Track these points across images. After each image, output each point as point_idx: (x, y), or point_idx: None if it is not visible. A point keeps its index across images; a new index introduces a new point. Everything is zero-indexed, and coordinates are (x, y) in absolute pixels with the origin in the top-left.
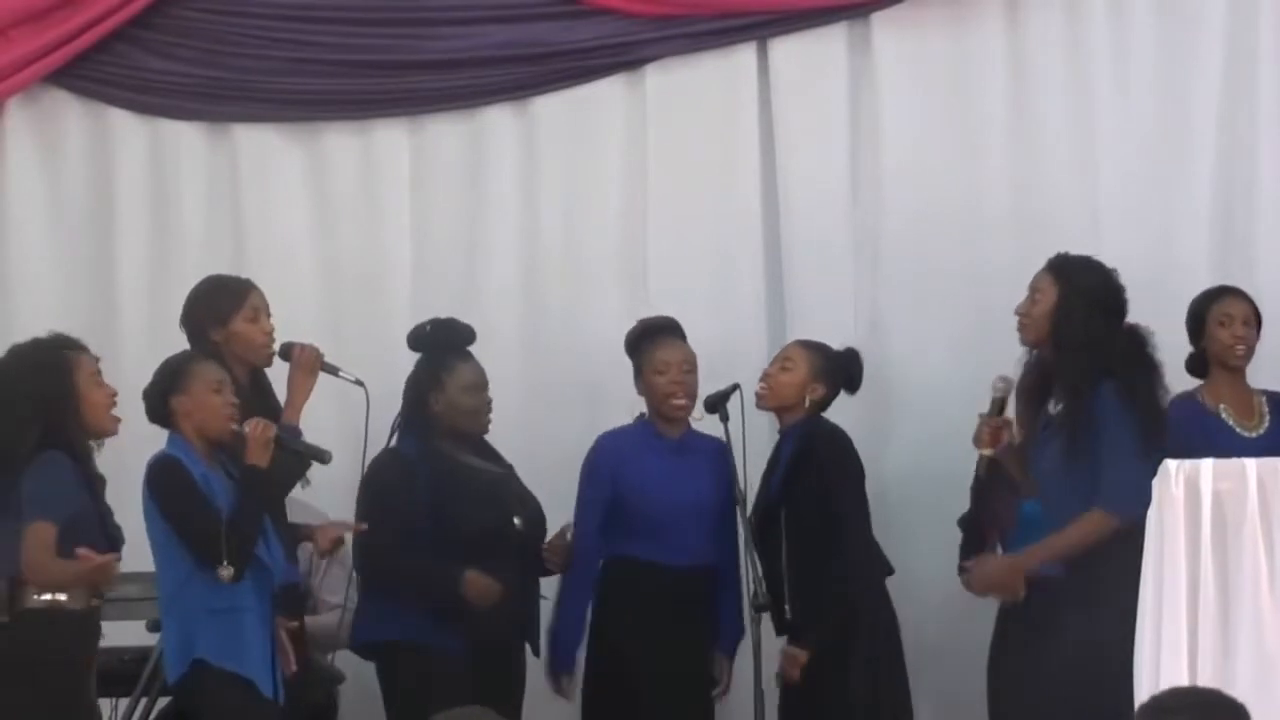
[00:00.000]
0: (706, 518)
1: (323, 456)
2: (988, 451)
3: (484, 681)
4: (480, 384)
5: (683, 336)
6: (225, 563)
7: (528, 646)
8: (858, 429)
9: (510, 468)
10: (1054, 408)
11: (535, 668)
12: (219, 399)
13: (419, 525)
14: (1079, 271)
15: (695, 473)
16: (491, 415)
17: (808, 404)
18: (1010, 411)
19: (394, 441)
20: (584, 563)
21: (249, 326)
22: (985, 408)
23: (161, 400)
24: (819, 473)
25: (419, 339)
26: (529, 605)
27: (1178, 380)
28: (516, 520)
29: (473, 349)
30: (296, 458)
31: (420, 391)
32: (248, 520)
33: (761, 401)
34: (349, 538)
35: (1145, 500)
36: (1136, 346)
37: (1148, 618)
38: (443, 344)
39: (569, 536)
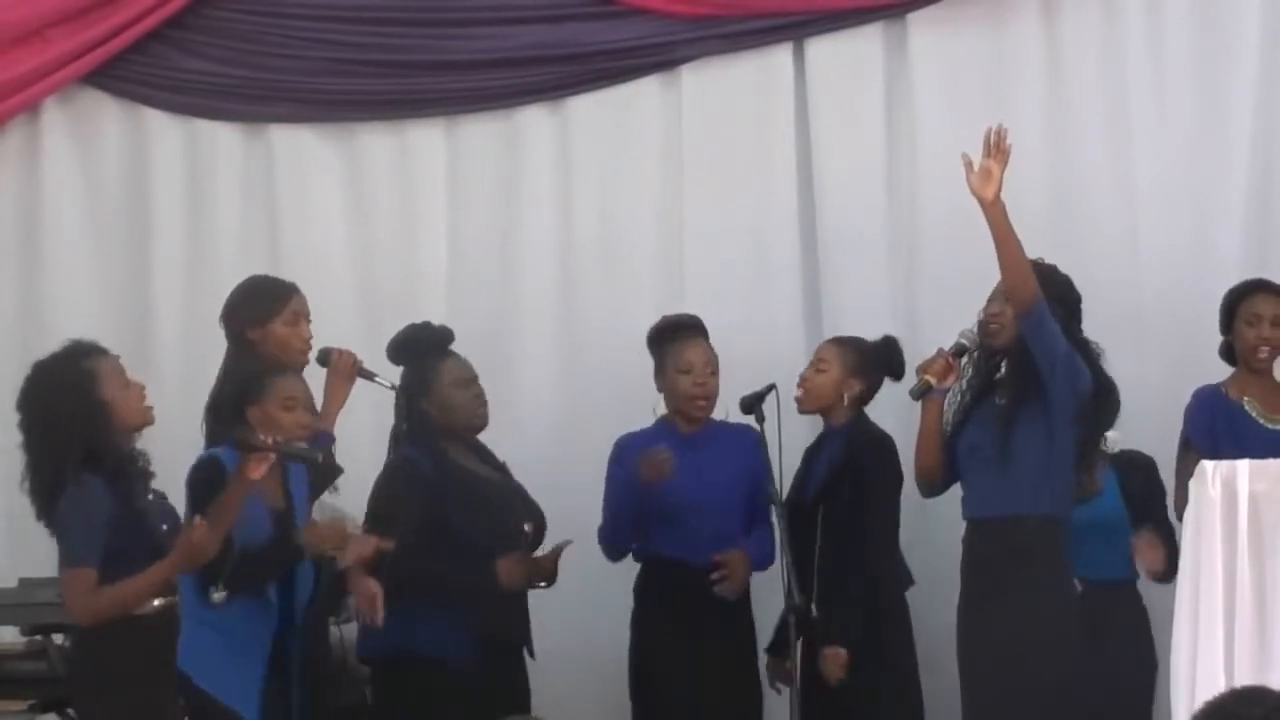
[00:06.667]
0: (734, 507)
1: (310, 457)
2: (932, 380)
3: (494, 691)
4: (470, 378)
5: (705, 335)
6: (219, 585)
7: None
8: (893, 427)
9: (504, 468)
10: (1001, 399)
11: (535, 676)
12: (290, 417)
13: (432, 533)
14: (1041, 275)
15: (716, 463)
16: (487, 407)
17: (846, 401)
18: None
19: (394, 454)
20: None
21: (288, 331)
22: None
23: (237, 406)
24: (860, 479)
25: (397, 348)
26: (525, 610)
27: (1217, 374)
28: (526, 526)
29: (509, 348)
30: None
31: (410, 398)
32: (267, 565)
33: (800, 405)
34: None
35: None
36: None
37: (1184, 618)
38: (422, 347)
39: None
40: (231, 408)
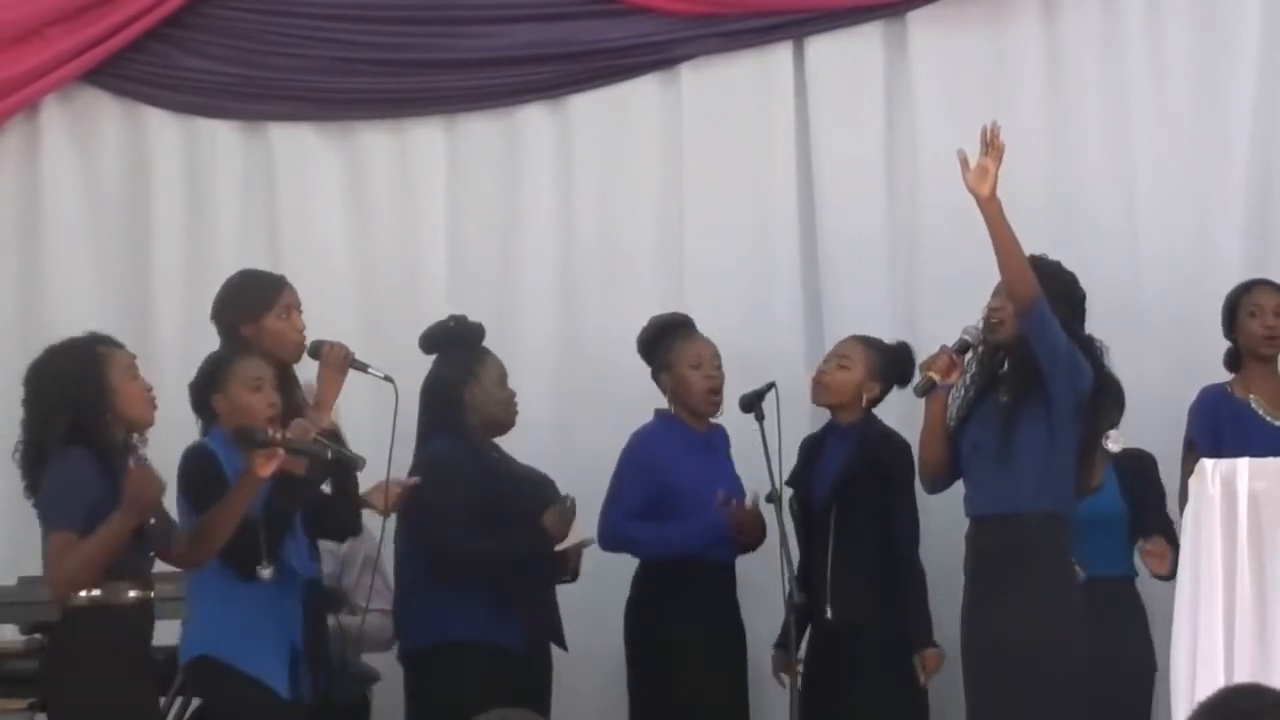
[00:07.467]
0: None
1: (356, 463)
2: (936, 376)
3: (530, 680)
4: (506, 375)
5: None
6: (265, 562)
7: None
8: (895, 426)
9: None
10: (1003, 396)
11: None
12: (257, 397)
13: (484, 521)
14: (1045, 271)
15: (725, 465)
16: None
17: (865, 402)
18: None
19: (426, 444)
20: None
21: (280, 323)
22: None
23: (203, 398)
24: (878, 479)
25: (443, 335)
26: (555, 603)
27: (1217, 373)
28: (568, 500)
29: (509, 347)
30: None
31: (453, 385)
32: (277, 520)
33: (816, 397)
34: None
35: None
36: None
37: (1184, 617)
38: (468, 339)
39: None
40: (198, 403)
